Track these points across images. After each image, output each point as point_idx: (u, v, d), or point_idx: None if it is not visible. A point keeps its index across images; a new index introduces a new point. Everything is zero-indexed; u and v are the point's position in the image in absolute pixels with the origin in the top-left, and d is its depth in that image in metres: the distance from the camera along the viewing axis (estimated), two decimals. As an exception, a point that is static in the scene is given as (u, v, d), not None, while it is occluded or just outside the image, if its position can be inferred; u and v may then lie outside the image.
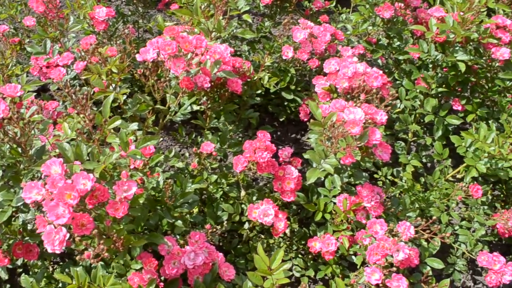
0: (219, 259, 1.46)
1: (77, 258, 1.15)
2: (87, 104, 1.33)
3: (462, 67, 1.75)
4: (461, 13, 1.71)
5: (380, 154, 1.57)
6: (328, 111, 1.55)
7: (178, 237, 1.60)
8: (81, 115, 1.34)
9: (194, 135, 1.93)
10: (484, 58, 1.84)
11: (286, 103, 2.30)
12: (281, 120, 2.33)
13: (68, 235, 1.17)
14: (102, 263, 1.45)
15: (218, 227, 1.57)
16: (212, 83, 1.80)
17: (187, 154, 1.97)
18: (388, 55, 2.29)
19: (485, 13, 1.74)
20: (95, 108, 2.00)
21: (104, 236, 1.28)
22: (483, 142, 1.68)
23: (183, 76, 1.57)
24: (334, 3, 2.47)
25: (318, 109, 1.54)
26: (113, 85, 1.71)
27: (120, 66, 1.70)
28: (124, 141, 1.33)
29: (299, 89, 2.16)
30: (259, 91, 2.04)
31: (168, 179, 1.84)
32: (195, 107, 1.91)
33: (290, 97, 2.15)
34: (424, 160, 2.13)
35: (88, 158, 1.28)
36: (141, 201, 1.38)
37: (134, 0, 2.51)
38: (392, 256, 1.46)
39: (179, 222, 1.62)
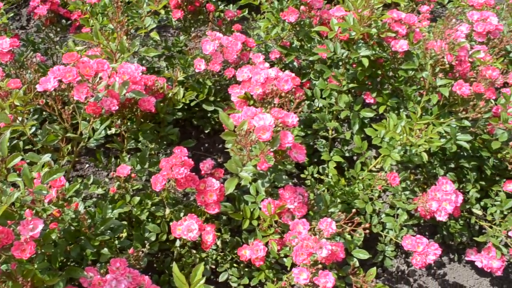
0: (146, 282, 1.43)
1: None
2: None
3: (366, 62, 1.81)
4: (359, 11, 1.78)
5: (295, 155, 1.60)
6: (241, 120, 1.57)
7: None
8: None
9: (113, 159, 1.89)
10: (387, 51, 1.92)
11: (209, 115, 2.31)
12: (206, 132, 2.34)
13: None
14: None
15: (144, 249, 1.55)
16: (124, 105, 1.78)
17: (106, 179, 1.93)
18: (305, 57, 2.34)
19: (381, 9, 1.81)
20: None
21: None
22: (394, 132, 1.75)
23: (89, 101, 1.54)
24: (246, 11, 2.50)
25: (229, 119, 1.56)
26: (20, 118, 1.65)
27: (25, 98, 1.65)
28: (29, 177, 1.29)
29: (218, 99, 2.17)
30: (180, 106, 2.03)
31: (89, 207, 1.80)
32: (113, 130, 1.89)
33: (211, 108, 2.15)
34: (347, 155, 2.19)
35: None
36: (53, 237, 1.33)
37: (42, 27, 2.43)
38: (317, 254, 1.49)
39: (105, 250, 1.59)
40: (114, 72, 1.74)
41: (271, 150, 1.51)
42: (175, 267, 1.18)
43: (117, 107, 1.56)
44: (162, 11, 2.00)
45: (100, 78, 1.58)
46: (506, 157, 1.82)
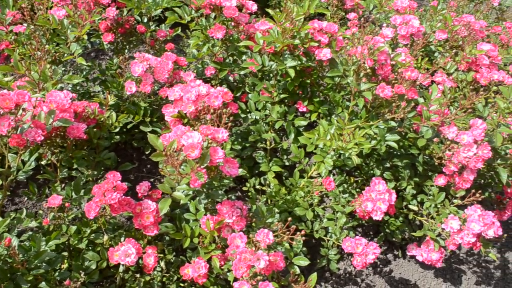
0: (84, 312, 1.41)
1: None
2: None
3: (292, 73, 1.86)
4: (281, 23, 1.83)
5: (228, 170, 1.61)
6: (171, 139, 1.57)
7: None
8: None
9: (47, 189, 1.86)
10: (313, 60, 1.97)
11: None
12: (147, 153, 2.32)
13: None
14: None
15: (81, 279, 1.52)
16: (55, 133, 1.75)
17: (41, 211, 1.88)
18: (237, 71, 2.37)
19: (302, 20, 1.86)
20: None
21: None
22: (324, 138, 1.79)
23: (12, 134, 1.51)
24: (179, 30, 2.52)
25: (158, 140, 1.55)
26: None
27: None
28: None
29: (155, 120, 2.17)
30: (116, 130, 2.01)
31: (28, 239, 1.76)
32: (46, 160, 1.85)
33: (149, 129, 2.15)
34: (288, 164, 2.23)
35: None
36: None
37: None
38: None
39: (42, 284, 1.56)
40: (41, 101, 1.72)
41: (202, 167, 1.52)
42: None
43: (42, 138, 1.53)
44: (85, 36, 1.98)
45: (24, 109, 1.55)
46: (433, 153, 1.89)
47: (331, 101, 2.07)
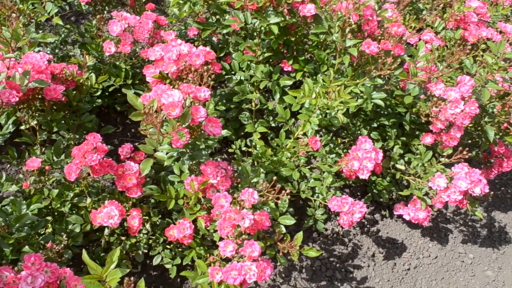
0: (67, 274, 1.39)
1: None
2: None
3: (275, 29, 1.80)
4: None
5: (211, 129, 1.58)
6: (151, 99, 1.53)
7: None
8: None
9: (27, 154, 1.81)
10: (298, 17, 1.91)
11: (132, 99, 2.24)
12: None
13: None
14: None
15: (63, 241, 1.50)
16: (33, 96, 1.70)
17: (21, 176, 1.84)
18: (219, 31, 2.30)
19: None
20: None
21: None
22: (309, 97, 1.76)
23: (-15, 95, 1.46)
24: (160, -11, 2.44)
25: (137, 100, 1.51)
26: None
27: None
28: None
29: (137, 82, 2.12)
30: (98, 93, 1.96)
31: (8, 205, 1.73)
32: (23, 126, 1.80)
33: (131, 91, 2.09)
34: (274, 125, 2.20)
35: None
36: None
37: None
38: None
39: (26, 248, 1.54)
40: (15, 62, 1.66)
41: (184, 126, 1.48)
42: (84, 254, 1.15)
43: (17, 99, 1.48)
44: (60, -6, 1.91)
45: (-4, 70, 1.49)
46: (420, 111, 1.87)
47: (316, 60, 2.02)
